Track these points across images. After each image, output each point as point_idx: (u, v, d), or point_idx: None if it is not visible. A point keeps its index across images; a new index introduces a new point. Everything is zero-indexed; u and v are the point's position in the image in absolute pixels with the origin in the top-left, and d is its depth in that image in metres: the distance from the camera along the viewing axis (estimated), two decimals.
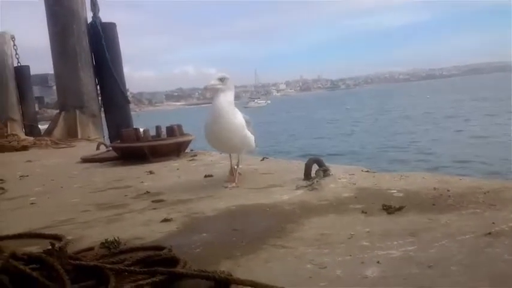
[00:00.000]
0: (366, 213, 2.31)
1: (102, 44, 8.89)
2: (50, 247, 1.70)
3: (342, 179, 3.19)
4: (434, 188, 2.70)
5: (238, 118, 3.22)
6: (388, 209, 2.30)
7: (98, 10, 8.99)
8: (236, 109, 3.24)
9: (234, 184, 3.32)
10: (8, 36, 14.63)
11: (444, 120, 35.20)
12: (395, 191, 2.72)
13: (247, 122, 3.29)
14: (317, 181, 3.05)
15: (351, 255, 1.75)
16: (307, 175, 3.24)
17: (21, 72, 14.82)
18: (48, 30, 9.39)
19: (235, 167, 3.48)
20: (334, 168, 3.45)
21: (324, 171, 3.26)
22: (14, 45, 14.74)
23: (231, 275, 1.54)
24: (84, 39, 9.14)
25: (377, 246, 1.83)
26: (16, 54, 14.73)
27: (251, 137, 3.36)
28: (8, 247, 1.63)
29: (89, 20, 9.20)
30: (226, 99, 3.13)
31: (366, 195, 2.69)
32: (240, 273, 1.60)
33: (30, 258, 1.56)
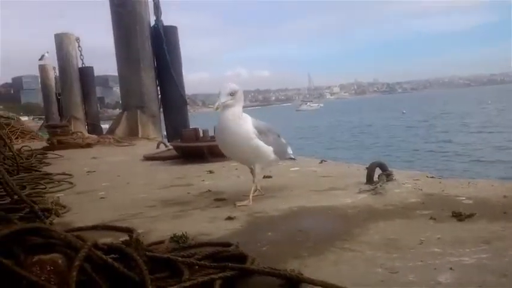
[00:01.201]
0: (435, 219, 2.26)
1: (163, 47, 9.15)
2: (127, 238, 1.79)
3: (406, 184, 3.11)
4: (505, 196, 2.60)
5: (244, 127, 2.96)
6: (458, 216, 2.24)
7: (161, 13, 9.26)
8: (245, 118, 2.99)
9: (245, 203, 2.96)
10: (73, 37, 15.39)
11: (502, 129, 33.66)
12: (464, 198, 2.64)
13: (261, 131, 3.00)
14: (380, 185, 3.00)
15: (422, 261, 1.72)
16: (369, 179, 3.20)
17: (85, 73, 15.56)
18: (113, 32, 9.75)
19: (253, 182, 3.09)
20: (397, 173, 3.37)
21: (387, 176, 3.19)
22: (79, 46, 15.50)
23: (301, 274, 1.55)
24: (147, 41, 9.44)
25: (449, 253, 1.79)
26: (81, 55, 15.50)
27: (265, 147, 3.02)
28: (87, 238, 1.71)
29: (152, 23, 9.49)
30: (233, 111, 2.93)
31: (434, 201, 2.62)
32: (308, 273, 1.59)
33: (109, 248, 1.63)
